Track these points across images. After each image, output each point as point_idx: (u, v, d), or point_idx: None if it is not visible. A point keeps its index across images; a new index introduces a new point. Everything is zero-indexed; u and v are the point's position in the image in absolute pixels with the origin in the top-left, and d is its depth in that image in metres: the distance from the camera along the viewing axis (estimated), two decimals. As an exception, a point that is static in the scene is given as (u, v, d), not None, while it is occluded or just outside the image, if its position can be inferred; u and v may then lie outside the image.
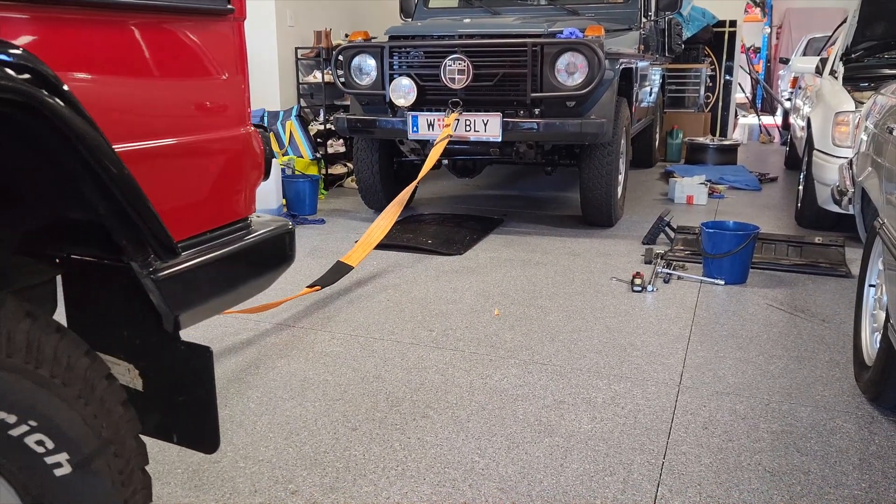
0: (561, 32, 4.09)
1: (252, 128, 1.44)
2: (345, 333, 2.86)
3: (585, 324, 2.96)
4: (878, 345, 2.22)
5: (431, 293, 3.34)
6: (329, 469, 1.92)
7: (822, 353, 2.68)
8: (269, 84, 5.82)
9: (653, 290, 3.37)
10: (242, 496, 1.80)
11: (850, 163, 3.03)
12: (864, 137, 2.70)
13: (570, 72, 4.00)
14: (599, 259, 3.89)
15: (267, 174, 1.50)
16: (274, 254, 1.43)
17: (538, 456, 1.98)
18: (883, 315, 2.22)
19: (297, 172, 5.43)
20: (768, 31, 14.51)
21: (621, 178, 4.70)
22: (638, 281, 3.40)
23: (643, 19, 5.30)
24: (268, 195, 4.76)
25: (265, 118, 5.68)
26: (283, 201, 5.01)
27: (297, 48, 5.88)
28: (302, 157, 5.61)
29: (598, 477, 1.89)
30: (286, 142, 5.60)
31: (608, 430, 2.12)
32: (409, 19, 5.43)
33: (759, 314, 3.08)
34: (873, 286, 2.46)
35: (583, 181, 4.42)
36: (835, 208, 3.99)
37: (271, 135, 5.63)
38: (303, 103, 6.02)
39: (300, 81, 5.98)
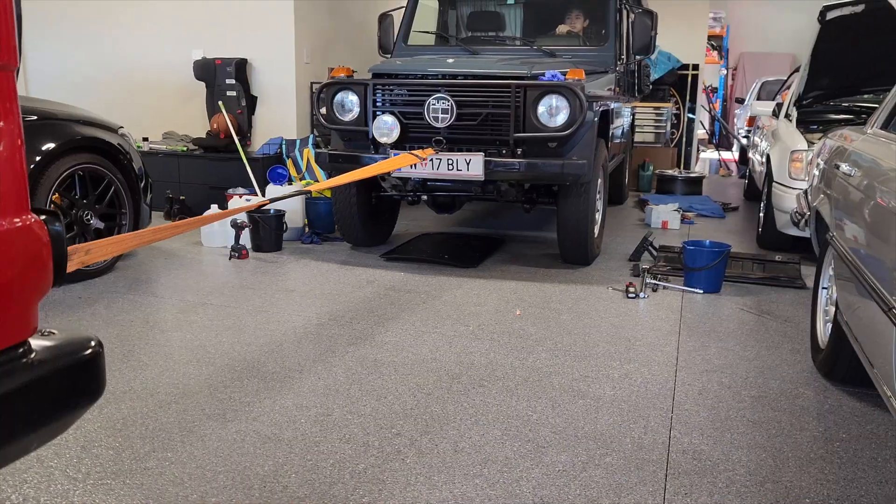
0: (543, 75, 4.22)
1: (33, 217, 1.05)
2: (397, 327, 3.41)
3: (593, 322, 3.57)
4: (830, 332, 2.88)
5: (459, 298, 3.92)
6: (419, 420, 2.48)
7: (785, 343, 3.33)
8: (287, 115, 6.37)
9: (644, 297, 4.01)
10: (359, 437, 2.35)
11: (806, 192, 3.73)
12: (816, 172, 3.39)
13: (553, 113, 4.10)
14: (595, 273, 4.52)
15: (60, 278, 1.10)
16: (67, 390, 1.05)
17: (577, 412, 2.57)
18: (833, 309, 2.87)
19: (315, 195, 5.97)
20: (725, 72, 15.59)
21: (599, 216, 4.83)
22: (632, 289, 4.04)
23: (618, 62, 5.50)
24: (295, 215, 5.30)
25: (283, 146, 6.22)
26: (305, 221, 5.54)
27: (312, 83, 6.45)
28: (318, 181, 6.15)
29: (625, 425, 2.48)
30: (303, 167, 6.14)
31: (626, 395, 2.73)
32: (388, 56, 5.48)
33: (733, 316, 3.73)
34: (825, 289, 3.13)
35: (560, 220, 4.49)
36: (792, 231, 4.72)
37: (290, 161, 6.17)
38: (316, 133, 6.58)
39: (314, 113, 6.54)
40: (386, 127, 4.23)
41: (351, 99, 4.40)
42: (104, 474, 2.10)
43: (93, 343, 1.11)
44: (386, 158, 4.19)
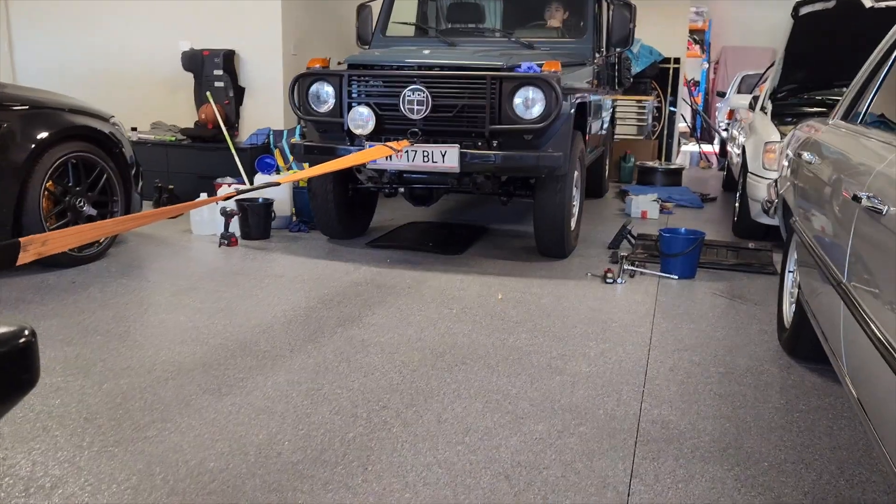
0: (519, 66, 4.22)
1: None
2: (383, 310, 3.54)
3: (572, 305, 3.72)
4: (794, 312, 3.04)
5: (443, 283, 4.05)
6: (405, 394, 2.61)
7: (754, 325, 3.50)
8: (275, 106, 6.46)
9: (622, 282, 4.16)
10: (347, 409, 2.48)
11: (776, 181, 3.90)
12: (786, 162, 3.55)
13: (528, 105, 4.10)
14: (575, 260, 4.67)
15: None
16: None
17: (554, 386, 2.72)
18: (797, 291, 3.04)
19: (301, 185, 6.07)
20: (707, 66, 15.79)
21: (576, 210, 4.83)
22: (610, 275, 4.19)
23: (596, 55, 5.54)
24: (283, 204, 5.41)
25: (271, 136, 6.32)
26: (293, 209, 5.65)
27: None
28: (304, 170, 6.25)
29: (599, 398, 2.63)
30: (291, 157, 6.24)
31: (601, 371, 2.88)
32: (366, 47, 5.43)
33: (706, 300, 3.90)
34: (791, 272, 3.29)
35: (537, 213, 4.49)
36: (765, 219, 4.89)
37: (277, 151, 6.27)
38: (303, 123, 6.66)
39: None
40: (361, 118, 4.19)
41: (326, 90, 4.38)
42: (107, 443, 2.22)
43: (26, 332, 1.03)
44: (361, 150, 4.15)
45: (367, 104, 4.23)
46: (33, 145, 3.85)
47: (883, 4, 4.65)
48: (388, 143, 4.10)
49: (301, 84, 4.45)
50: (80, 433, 2.27)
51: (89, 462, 2.10)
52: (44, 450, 2.16)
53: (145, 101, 6.74)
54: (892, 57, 2.55)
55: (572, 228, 4.72)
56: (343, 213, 4.90)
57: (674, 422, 2.47)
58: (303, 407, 2.49)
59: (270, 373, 2.77)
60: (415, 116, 4.16)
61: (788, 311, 3.22)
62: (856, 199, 1.89)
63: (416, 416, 2.45)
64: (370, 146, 4.15)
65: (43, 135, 3.90)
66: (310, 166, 4.53)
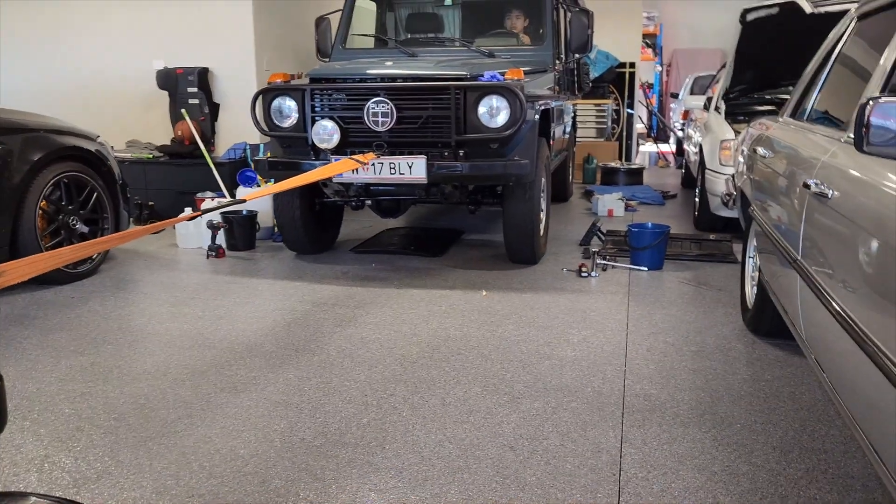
0: (482, 75, 4.24)
1: None
2: (376, 310, 3.75)
3: (552, 298, 3.98)
4: (755, 294, 3.34)
5: (428, 283, 4.28)
6: (409, 382, 2.83)
7: (719, 308, 3.80)
8: (250, 121, 6.60)
9: (596, 276, 4.44)
10: (358, 398, 2.69)
11: (733, 176, 4.21)
12: (741, 158, 3.86)
13: (493, 114, 4.12)
14: (549, 257, 4.94)
15: None
16: None
17: (544, 370, 2.96)
18: (758, 274, 3.34)
19: (280, 196, 6.23)
20: (659, 68, 16.34)
21: (543, 215, 4.84)
22: (584, 269, 4.46)
23: (557, 61, 5.50)
24: (265, 215, 5.58)
25: (248, 151, 6.47)
26: (275, 220, 5.81)
27: (272, 89, 6.71)
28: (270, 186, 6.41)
29: (586, 378, 2.89)
30: (269, 170, 6.40)
31: (585, 355, 3.13)
32: (327, 59, 5.43)
33: (674, 288, 4.19)
34: (751, 258, 3.60)
35: (506, 220, 4.53)
36: (724, 212, 5.23)
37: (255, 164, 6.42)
38: (278, 137, 6.83)
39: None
40: (325, 132, 4.17)
41: (289, 104, 4.36)
42: (140, 438, 2.39)
43: None
44: (327, 164, 4.11)
45: (331, 118, 4.22)
46: (28, 167, 3.98)
47: (822, 10, 5.03)
48: (353, 157, 4.09)
49: (263, 99, 4.44)
50: (114, 431, 2.43)
51: (128, 455, 2.28)
52: (82, 447, 2.33)
53: (120, 119, 6.83)
54: (832, 58, 2.87)
55: (541, 234, 4.78)
56: (310, 228, 4.88)
57: (655, 394, 2.73)
58: (316, 398, 2.69)
59: (280, 371, 2.96)
60: (380, 129, 4.16)
61: (750, 293, 3.52)
62: (806, 186, 2.17)
63: (422, 401, 2.67)
64: (336, 160, 4.14)
65: (37, 156, 4.03)
66: (276, 182, 4.55)
